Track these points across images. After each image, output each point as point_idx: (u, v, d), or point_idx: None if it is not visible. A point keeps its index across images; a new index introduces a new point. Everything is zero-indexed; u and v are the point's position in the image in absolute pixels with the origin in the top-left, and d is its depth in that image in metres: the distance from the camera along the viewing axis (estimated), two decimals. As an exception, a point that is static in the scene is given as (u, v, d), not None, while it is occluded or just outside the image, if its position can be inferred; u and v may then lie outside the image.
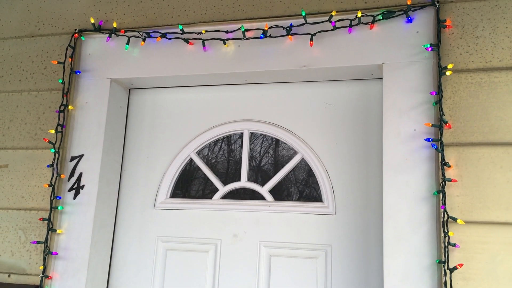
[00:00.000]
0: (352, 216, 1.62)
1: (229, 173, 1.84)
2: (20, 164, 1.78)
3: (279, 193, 1.76)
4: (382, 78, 1.53)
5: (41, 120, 1.80)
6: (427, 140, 1.37)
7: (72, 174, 1.71)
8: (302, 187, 1.77)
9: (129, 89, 1.88)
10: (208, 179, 1.84)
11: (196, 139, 1.85)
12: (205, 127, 1.85)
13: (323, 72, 1.59)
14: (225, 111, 1.84)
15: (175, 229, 1.79)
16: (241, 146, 1.83)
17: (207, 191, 1.85)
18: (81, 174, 1.70)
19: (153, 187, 1.84)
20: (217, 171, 1.85)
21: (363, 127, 1.67)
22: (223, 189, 1.80)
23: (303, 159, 1.75)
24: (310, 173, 1.74)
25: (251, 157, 1.83)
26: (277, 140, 1.81)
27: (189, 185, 1.87)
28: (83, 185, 1.69)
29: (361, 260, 1.58)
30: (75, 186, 1.70)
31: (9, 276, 1.69)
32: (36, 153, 1.77)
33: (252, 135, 1.83)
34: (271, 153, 1.83)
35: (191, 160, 1.86)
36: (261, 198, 1.75)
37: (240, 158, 1.82)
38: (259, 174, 1.81)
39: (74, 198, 1.69)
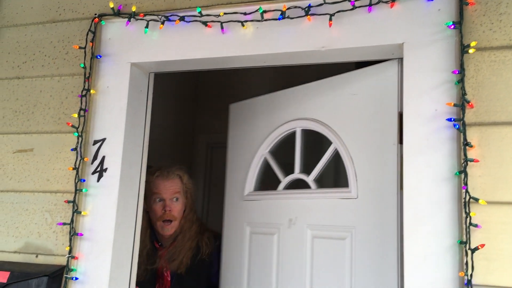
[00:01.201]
0: (373, 199, 1.64)
1: (288, 166, 2.05)
2: (45, 148, 1.82)
3: (320, 181, 1.89)
4: (402, 58, 1.51)
5: (64, 105, 1.83)
6: (449, 120, 1.35)
7: (95, 157, 1.74)
8: (336, 175, 1.91)
9: (149, 73, 1.89)
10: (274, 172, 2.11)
11: (267, 139, 2.13)
12: (273, 127, 2.11)
13: (343, 52, 1.57)
14: (282, 111, 2.06)
15: (255, 216, 2.11)
16: (294, 142, 2.02)
17: (275, 183, 2.09)
18: (104, 157, 1.74)
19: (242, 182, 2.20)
20: (280, 165, 2.10)
21: (383, 111, 1.66)
22: (284, 181, 2.00)
23: (335, 149, 1.82)
24: (341, 161, 1.80)
25: (303, 150, 2.01)
26: (318, 133, 1.91)
27: (264, 178, 2.20)
28: (106, 168, 1.72)
29: (381, 241, 1.58)
30: (99, 169, 1.73)
31: (36, 256, 1.74)
32: (60, 137, 1.81)
33: (302, 131, 2.01)
34: (314, 146, 2.00)
35: (265, 158, 2.15)
36: (308, 186, 1.90)
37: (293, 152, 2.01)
38: (307, 165, 1.98)
39: (98, 180, 1.72)
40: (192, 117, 3.88)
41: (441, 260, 1.32)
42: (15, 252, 1.77)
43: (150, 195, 2.16)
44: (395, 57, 1.58)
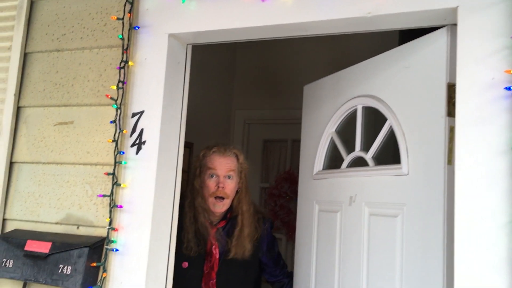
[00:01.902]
0: (422, 175, 1.57)
1: (350, 145, 2.05)
2: (84, 121, 1.82)
3: (377, 158, 1.85)
4: (455, 24, 1.41)
5: (103, 77, 1.82)
6: (507, 89, 1.25)
7: (134, 130, 1.73)
8: (391, 151, 1.83)
9: (187, 45, 1.85)
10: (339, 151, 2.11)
11: (332, 118, 2.13)
12: (337, 106, 2.09)
13: (390, 18, 1.48)
14: (346, 89, 2.03)
15: (322, 194, 2.13)
16: (355, 120, 2.00)
17: (340, 162, 2.10)
18: (142, 130, 1.72)
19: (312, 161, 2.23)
20: (345, 143, 2.09)
21: (432, 83, 1.57)
22: (346, 159, 1.99)
23: (390, 124, 1.77)
24: (395, 138, 1.74)
25: (364, 128, 1.98)
26: (375, 110, 1.87)
27: (331, 156, 2.20)
28: (145, 141, 1.71)
29: (429, 219, 1.51)
30: (137, 141, 1.72)
31: (77, 228, 1.76)
32: (99, 110, 1.80)
33: (363, 108, 1.97)
34: (373, 123, 1.96)
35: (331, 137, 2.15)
36: (367, 164, 1.87)
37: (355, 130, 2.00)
38: (367, 143, 1.95)
39: (137, 153, 1.71)
40: (230, 94, 3.84)
41: (494, 239, 1.24)
42: (56, 223, 1.79)
43: (204, 170, 2.14)
44: (447, 23, 1.48)
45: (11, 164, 1.90)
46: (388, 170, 1.73)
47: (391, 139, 1.80)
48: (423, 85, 1.60)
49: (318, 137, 2.21)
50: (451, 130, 1.45)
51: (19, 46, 1.93)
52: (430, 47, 1.58)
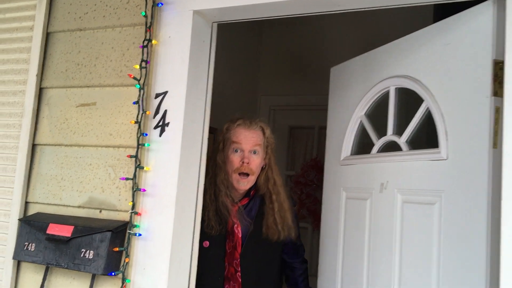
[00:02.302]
0: (464, 160, 1.46)
1: (381, 128, 1.94)
2: (107, 102, 1.77)
3: (411, 143, 1.75)
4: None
5: (125, 57, 1.76)
6: None
7: (157, 111, 1.67)
8: (427, 135, 1.72)
9: (212, 23, 1.78)
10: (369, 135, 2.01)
11: (362, 100, 2.03)
12: (367, 88, 1.99)
13: (431, -10, 1.38)
14: (377, 70, 1.93)
15: (350, 181, 2.04)
16: (387, 102, 1.89)
17: (370, 147, 1.99)
18: (165, 111, 1.66)
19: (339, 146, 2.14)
20: (374, 128, 2.00)
21: (476, 61, 1.46)
22: (377, 144, 1.90)
23: (427, 106, 1.66)
24: (432, 120, 1.64)
25: (397, 110, 1.88)
26: (409, 91, 1.76)
27: (360, 141, 2.11)
28: (168, 123, 1.65)
29: (471, 207, 1.41)
30: (161, 123, 1.66)
31: (100, 211, 1.71)
32: (122, 90, 1.75)
33: (396, 90, 1.87)
34: (407, 105, 1.84)
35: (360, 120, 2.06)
36: (400, 149, 1.77)
37: (387, 113, 1.89)
38: (400, 126, 1.84)
39: (160, 135, 1.65)
40: (255, 79, 3.76)
41: (546, 228, 1.14)
42: (79, 207, 1.75)
43: (228, 144, 1.99)
44: (494, -5, 1.36)
45: (33, 146, 1.87)
46: (424, 155, 1.62)
47: (427, 122, 1.70)
48: (465, 63, 1.49)
49: (346, 121, 2.12)
50: (497, 111, 1.35)
51: (41, 25, 1.89)
52: (474, 22, 1.47)
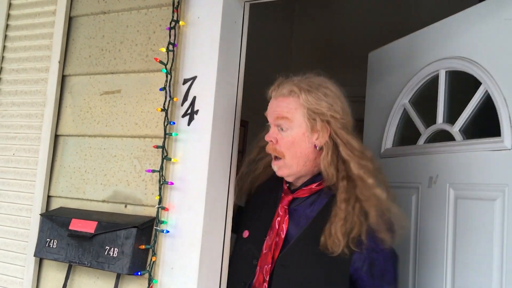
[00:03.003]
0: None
1: (429, 116, 1.77)
2: (132, 89, 1.65)
3: (466, 131, 1.57)
4: None
5: (152, 40, 1.64)
6: None
7: (185, 98, 1.54)
8: (485, 122, 1.54)
9: (244, 2, 1.64)
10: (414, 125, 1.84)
11: (406, 86, 1.87)
12: (412, 72, 1.83)
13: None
14: (423, 53, 1.78)
15: (393, 175, 1.78)
16: (437, 87, 1.72)
17: (415, 137, 1.84)
18: (194, 98, 1.53)
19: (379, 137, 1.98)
20: (420, 116, 1.83)
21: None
22: (424, 133, 1.75)
23: (485, 90, 1.48)
24: (492, 106, 1.45)
25: (447, 96, 1.70)
26: (463, 74, 1.60)
27: (403, 132, 1.95)
28: (197, 110, 1.52)
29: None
30: (189, 111, 1.53)
31: (125, 206, 1.60)
32: (148, 77, 1.63)
33: (446, 73, 1.70)
34: (460, 89, 1.66)
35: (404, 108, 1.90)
36: (452, 138, 1.60)
37: (435, 100, 1.71)
38: (451, 113, 1.66)
39: (189, 124, 1.53)
40: (287, 70, 3.61)
41: None
42: (103, 201, 1.64)
43: None
44: None
45: (56, 137, 1.77)
46: (483, 145, 1.45)
47: (485, 108, 1.52)
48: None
49: (387, 109, 1.96)
50: None
51: (64, 9, 1.78)
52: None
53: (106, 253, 1.50)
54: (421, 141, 1.75)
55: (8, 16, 1.93)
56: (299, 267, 1.42)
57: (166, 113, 1.52)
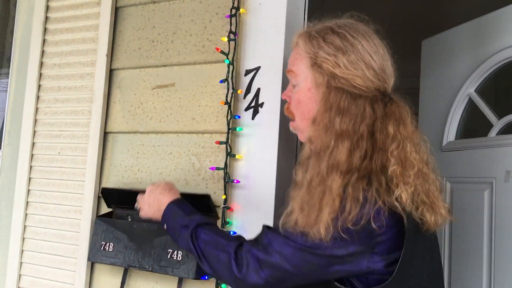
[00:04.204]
0: None
1: (504, 106, 1.66)
2: (187, 82, 1.56)
3: None
4: None
5: (208, 30, 1.54)
6: None
7: (248, 90, 1.45)
8: None
9: (307, -14, 1.54)
10: (484, 115, 1.71)
11: (472, 75, 1.75)
12: (479, 60, 1.71)
13: None
14: (491, 39, 1.66)
15: (457, 169, 1.78)
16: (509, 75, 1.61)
17: (484, 129, 1.72)
18: (259, 89, 1.43)
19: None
20: (492, 106, 1.71)
21: None
22: (497, 124, 1.64)
23: None
24: None
25: None
26: None
27: (468, 123, 1.82)
28: (262, 103, 1.42)
29: None
30: (253, 104, 1.43)
31: (185, 206, 1.51)
32: (205, 68, 1.53)
33: None
34: None
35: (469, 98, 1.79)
36: None
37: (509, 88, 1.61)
38: None
39: (253, 118, 1.43)
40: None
41: None
42: (160, 201, 1.55)
43: None
44: None
45: (105, 135, 1.68)
46: None
47: None
48: None
49: (448, 100, 1.86)
50: None
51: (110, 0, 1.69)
52: None
53: (169, 257, 1.41)
54: (493, 133, 1.65)
55: (47, 8, 1.84)
56: None
57: (229, 107, 1.43)
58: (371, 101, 1.03)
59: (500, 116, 1.65)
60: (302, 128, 1.14)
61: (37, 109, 1.81)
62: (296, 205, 1.02)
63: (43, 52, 1.83)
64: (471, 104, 1.79)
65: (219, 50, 1.43)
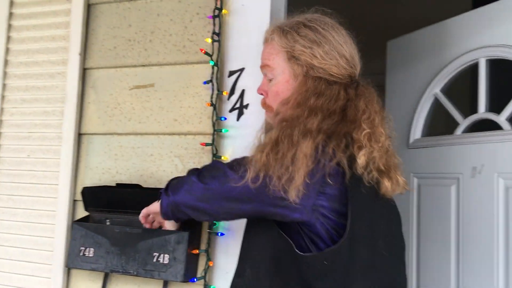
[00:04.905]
0: None
1: (468, 106, 1.77)
2: (168, 83, 1.54)
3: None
4: None
5: (188, 30, 1.52)
6: None
7: (232, 92, 1.45)
8: None
9: (289, -12, 1.56)
10: (450, 114, 1.79)
11: (438, 76, 1.83)
12: (445, 61, 1.78)
13: None
14: (457, 42, 1.74)
15: (424, 165, 1.86)
16: (477, 75, 1.68)
17: (450, 127, 1.79)
18: (243, 91, 1.44)
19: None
20: (457, 105, 1.79)
21: None
22: (463, 123, 1.71)
23: None
24: None
25: (488, 85, 1.66)
26: (506, 62, 1.58)
27: (433, 122, 1.88)
28: (247, 104, 1.43)
29: None
30: (238, 105, 1.44)
31: (168, 208, 1.49)
32: (186, 69, 1.52)
33: (487, 62, 1.66)
34: (506, 78, 1.62)
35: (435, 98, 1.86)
36: (498, 128, 1.57)
37: (477, 88, 1.67)
38: (496, 102, 1.63)
39: (238, 119, 1.44)
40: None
41: None
42: (142, 203, 1.52)
43: None
44: None
45: (79, 136, 1.62)
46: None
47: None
48: None
49: (414, 99, 1.94)
50: None
51: (82, -4, 1.63)
52: None
53: (155, 260, 1.39)
54: (459, 131, 1.74)
55: (11, 3, 1.75)
56: None
57: (215, 108, 1.42)
58: (345, 86, 1.12)
59: (466, 115, 1.74)
60: (274, 117, 1.18)
61: (2, 109, 1.72)
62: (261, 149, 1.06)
63: (7, 49, 1.74)
64: (436, 103, 1.88)
65: (203, 52, 1.43)
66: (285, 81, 1.16)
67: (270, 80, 1.20)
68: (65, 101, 1.62)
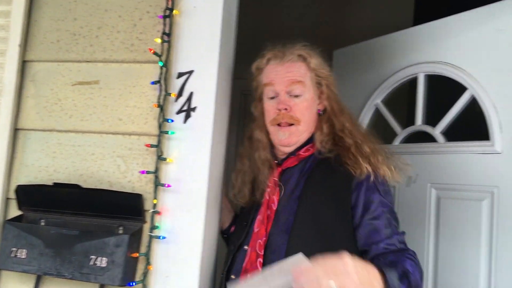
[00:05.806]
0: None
1: (407, 117, 1.88)
2: (114, 81, 1.49)
3: (449, 134, 1.63)
4: None
5: (137, 28, 1.49)
6: None
7: (180, 94, 1.43)
8: (471, 126, 1.60)
9: (240, -9, 1.56)
10: (389, 125, 1.88)
11: (380, 88, 1.91)
12: (386, 74, 1.87)
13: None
14: (400, 56, 1.82)
15: None
16: (415, 90, 1.78)
17: (390, 136, 1.85)
18: (191, 93, 1.42)
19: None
20: (396, 116, 1.89)
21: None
22: (401, 134, 1.79)
23: (471, 95, 1.56)
24: (478, 110, 1.52)
25: (426, 99, 1.77)
26: (447, 78, 1.66)
27: (374, 131, 1.78)
28: (195, 107, 1.42)
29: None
30: (185, 108, 1.42)
31: (109, 210, 1.45)
32: (134, 68, 1.48)
33: (425, 77, 1.76)
34: (443, 93, 1.72)
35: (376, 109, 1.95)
36: (433, 140, 1.67)
37: (415, 101, 1.78)
38: (432, 116, 1.73)
39: (185, 122, 1.42)
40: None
41: None
42: (80, 204, 1.47)
43: (262, 89, 1.48)
44: None
45: (15, 131, 1.54)
46: (471, 148, 1.54)
47: (469, 112, 1.61)
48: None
49: (357, 108, 2.01)
50: None
51: (24, -15, 1.56)
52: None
53: (92, 263, 1.35)
54: (397, 141, 1.82)
55: None
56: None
57: (162, 109, 1.40)
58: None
59: (404, 126, 1.82)
60: (303, 131, 1.42)
61: None
62: None
63: None
64: (377, 114, 1.95)
65: (152, 51, 1.40)
66: (311, 98, 1.43)
67: (297, 96, 1.40)
68: (1, 94, 1.54)
